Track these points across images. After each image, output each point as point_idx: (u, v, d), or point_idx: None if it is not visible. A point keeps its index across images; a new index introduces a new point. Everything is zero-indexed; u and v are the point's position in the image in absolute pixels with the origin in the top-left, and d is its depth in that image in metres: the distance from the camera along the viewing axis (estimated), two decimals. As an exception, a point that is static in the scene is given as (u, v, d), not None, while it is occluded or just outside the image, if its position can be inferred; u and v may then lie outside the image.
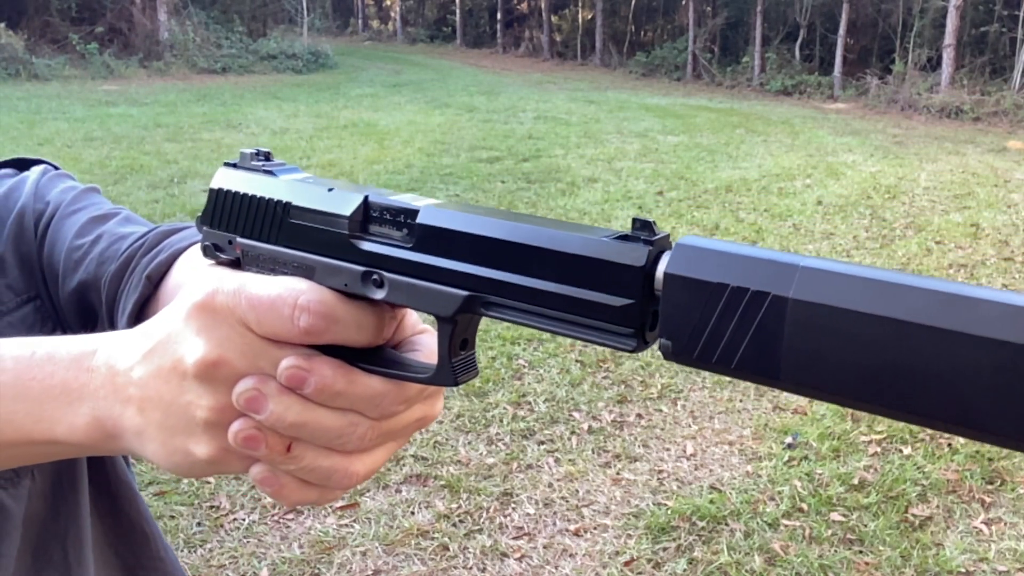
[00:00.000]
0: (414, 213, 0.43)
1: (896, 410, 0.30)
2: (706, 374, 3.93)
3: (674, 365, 4.01)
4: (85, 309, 0.71)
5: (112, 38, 17.53)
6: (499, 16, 26.73)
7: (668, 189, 7.79)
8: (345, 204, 0.45)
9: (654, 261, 0.36)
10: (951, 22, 14.63)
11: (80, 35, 16.89)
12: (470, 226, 0.41)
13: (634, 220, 0.37)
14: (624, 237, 0.37)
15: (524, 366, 3.98)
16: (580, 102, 14.49)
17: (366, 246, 0.44)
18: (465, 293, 0.41)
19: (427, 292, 0.42)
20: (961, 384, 0.28)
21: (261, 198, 0.48)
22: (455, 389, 3.71)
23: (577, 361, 4.04)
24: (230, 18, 19.93)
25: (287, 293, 0.41)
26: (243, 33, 19.48)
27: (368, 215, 0.45)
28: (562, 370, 3.94)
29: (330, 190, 0.46)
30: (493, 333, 4.31)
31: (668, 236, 0.37)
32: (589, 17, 23.88)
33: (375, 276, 0.43)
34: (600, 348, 4.10)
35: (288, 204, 0.47)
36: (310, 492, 0.45)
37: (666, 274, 0.35)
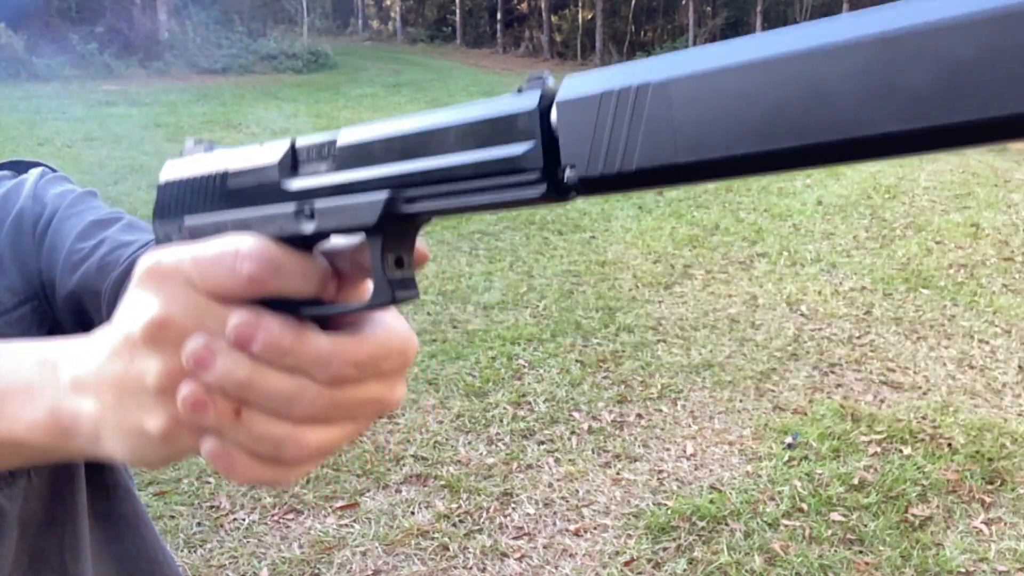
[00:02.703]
0: (334, 141, 0.44)
1: (795, 152, 0.30)
2: (706, 374, 3.93)
3: (675, 366, 4.01)
4: (81, 312, 0.71)
5: (112, 38, 17.53)
6: (499, 16, 26.74)
7: (668, 189, 7.78)
8: (274, 152, 0.46)
9: (549, 102, 0.36)
10: (951, 22, 14.64)
11: (80, 35, 16.89)
12: (380, 131, 0.42)
13: (528, 76, 0.38)
14: (519, 91, 0.38)
15: (524, 366, 3.98)
16: (580, 102, 14.48)
17: (294, 184, 0.44)
18: (385, 194, 0.41)
19: (351, 206, 0.42)
20: (843, 96, 0.29)
21: (201, 176, 0.49)
22: (455, 389, 3.71)
23: (577, 361, 4.04)
24: (230, 18, 19.93)
25: (228, 245, 0.41)
26: (243, 33, 19.48)
27: (296, 157, 0.45)
28: (562, 370, 3.94)
29: (261, 145, 0.47)
30: (493, 333, 4.31)
31: (563, 80, 0.37)
32: (589, 17, 23.88)
33: (305, 209, 0.43)
34: (600, 348, 4.09)
35: (225, 172, 0.48)
36: (263, 469, 0.44)
37: (558, 103, 0.36)
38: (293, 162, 0.45)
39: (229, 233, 0.45)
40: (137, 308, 0.42)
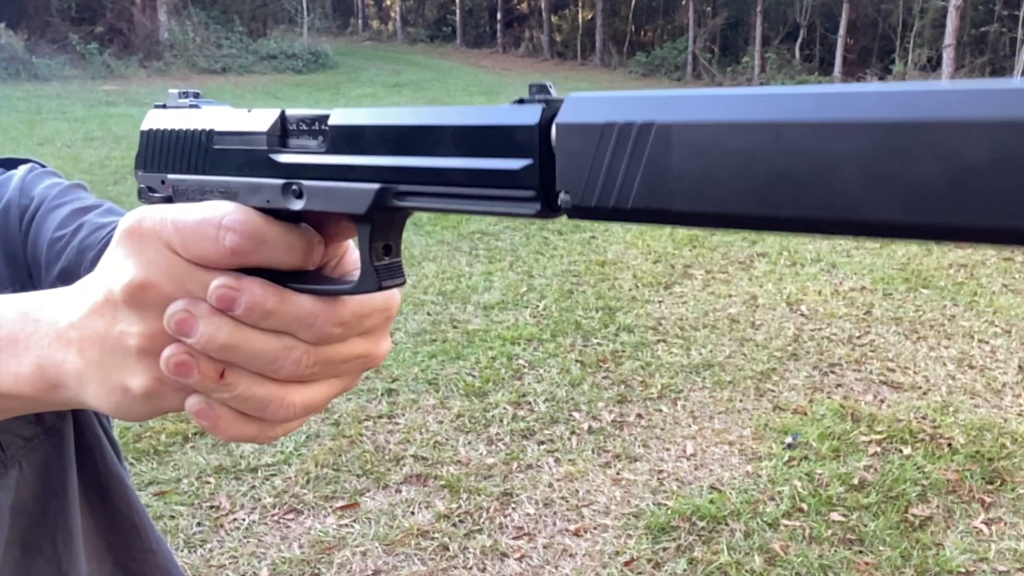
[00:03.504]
0: (326, 118, 0.43)
1: (791, 219, 0.30)
2: (706, 374, 3.93)
3: (675, 366, 4.01)
4: None
5: (112, 38, 17.54)
6: (499, 16, 26.74)
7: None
8: (263, 121, 0.45)
9: (549, 119, 0.35)
10: (951, 22, 14.63)
11: (80, 35, 16.89)
12: (375, 119, 0.41)
13: (531, 85, 0.37)
14: (520, 101, 0.37)
15: (524, 366, 3.98)
16: (580, 102, 14.48)
17: (283, 158, 0.44)
18: (376, 185, 0.40)
19: (341, 192, 0.42)
20: (845, 175, 0.28)
21: (186, 130, 0.49)
22: (455, 389, 3.71)
23: (577, 361, 4.04)
24: (230, 18, 19.93)
25: (211, 214, 0.41)
26: (243, 33, 19.48)
27: (285, 128, 0.45)
28: (562, 370, 3.94)
29: (249, 111, 0.47)
30: (493, 333, 4.31)
31: (565, 98, 0.37)
32: (589, 17, 23.88)
33: (294, 187, 0.43)
34: (600, 348, 4.10)
35: (211, 131, 0.47)
36: (248, 426, 0.44)
37: (557, 125, 0.35)
38: (283, 133, 0.45)
39: (213, 198, 0.45)
40: (118, 267, 0.42)
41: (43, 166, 0.81)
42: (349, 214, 0.42)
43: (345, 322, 0.43)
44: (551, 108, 0.36)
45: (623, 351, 4.16)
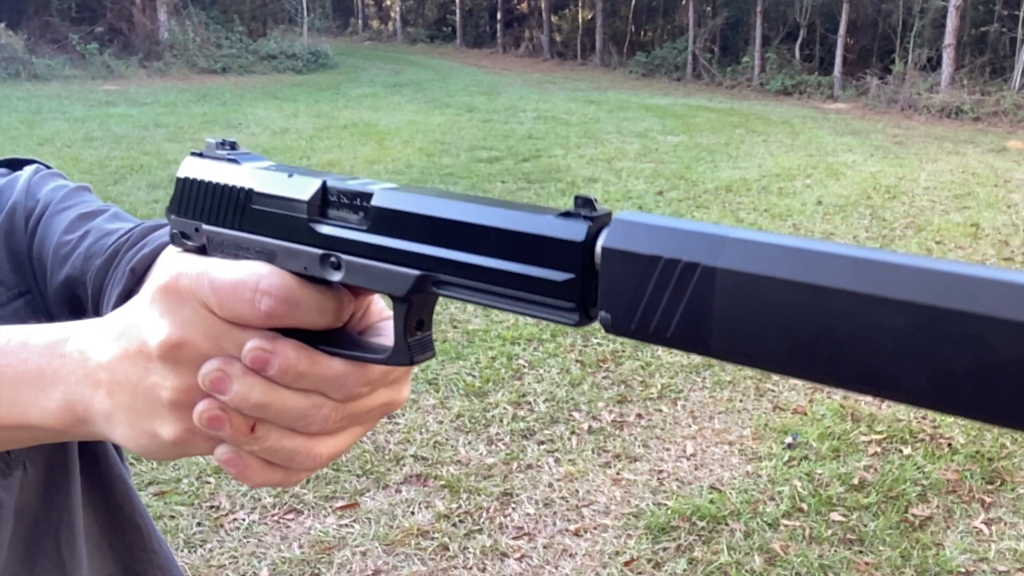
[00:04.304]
0: (369, 196, 0.44)
1: (823, 375, 0.31)
2: (706, 374, 3.93)
3: (675, 365, 4.01)
4: (73, 303, 0.72)
5: (112, 38, 17.53)
6: (499, 16, 26.73)
7: (668, 189, 7.79)
8: (304, 189, 0.46)
9: (594, 237, 0.37)
10: (951, 22, 14.63)
11: (80, 35, 16.89)
12: (421, 207, 0.42)
13: (576, 198, 0.38)
14: (566, 214, 0.38)
15: (524, 366, 3.98)
16: (580, 102, 14.49)
17: (324, 229, 0.45)
18: (417, 272, 0.42)
19: (381, 272, 0.43)
20: (876, 346, 0.29)
21: (225, 185, 0.49)
22: (455, 389, 3.72)
23: (577, 361, 4.04)
24: (230, 18, 19.93)
25: (249, 277, 0.42)
26: (243, 33, 19.48)
27: (326, 199, 0.46)
28: (562, 370, 3.94)
29: (290, 176, 0.47)
30: (493, 333, 4.31)
31: (610, 213, 0.38)
32: (589, 17, 23.88)
33: (332, 258, 0.44)
34: (600, 348, 4.10)
35: (250, 191, 0.48)
36: (274, 473, 0.45)
37: (603, 248, 0.36)
38: (323, 203, 0.46)
39: (250, 256, 0.46)
40: (154, 323, 0.43)
41: (48, 167, 0.81)
42: (388, 294, 0.43)
43: (373, 381, 0.45)
44: (597, 224, 0.37)
45: (623, 351, 4.16)
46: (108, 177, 7.59)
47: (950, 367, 0.28)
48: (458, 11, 28.01)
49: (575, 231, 0.37)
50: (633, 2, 22.94)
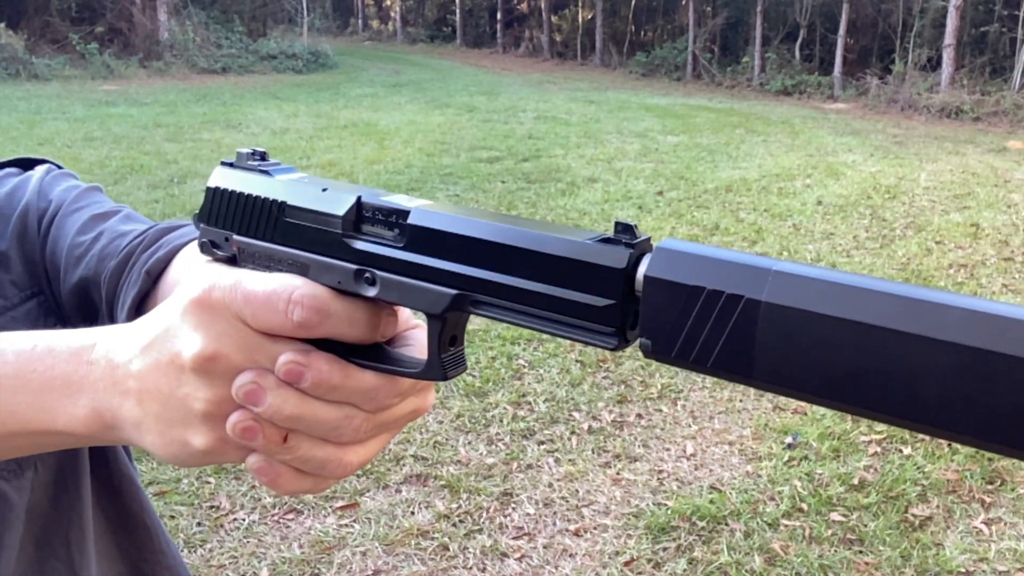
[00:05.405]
0: (405, 214, 0.44)
1: (861, 408, 0.31)
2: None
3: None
4: (86, 304, 0.72)
5: (112, 38, 17.53)
6: (499, 16, 26.73)
7: (668, 189, 7.79)
8: (339, 204, 0.46)
9: (635, 263, 0.37)
10: (951, 22, 14.63)
11: (80, 35, 16.89)
12: (459, 227, 0.42)
13: (617, 223, 0.38)
14: (606, 240, 0.38)
15: (524, 366, 3.98)
16: (580, 102, 14.49)
17: (359, 245, 0.45)
18: (454, 292, 0.42)
19: (417, 290, 0.43)
20: (920, 385, 0.29)
21: (257, 197, 0.49)
22: (455, 389, 3.71)
23: (577, 361, 4.04)
24: (230, 18, 19.93)
25: (282, 288, 0.42)
26: (243, 33, 19.47)
27: (361, 215, 0.46)
28: (562, 370, 3.94)
29: (324, 190, 0.47)
30: (493, 333, 4.31)
31: (649, 239, 0.38)
32: (589, 17, 23.88)
33: (367, 274, 0.45)
34: (600, 348, 4.15)
35: (283, 203, 0.48)
36: (304, 481, 0.46)
37: (646, 276, 0.36)
38: (358, 218, 0.46)
39: (282, 268, 0.47)
40: (186, 335, 0.43)
41: (60, 167, 0.80)
42: (424, 311, 0.44)
43: (403, 392, 0.46)
44: (638, 251, 0.37)
45: (623, 351, 4.15)
46: (108, 177, 7.58)
47: (989, 407, 0.28)
48: (458, 11, 28.01)
49: (617, 258, 0.37)
50: (633, 2, 22.94)
